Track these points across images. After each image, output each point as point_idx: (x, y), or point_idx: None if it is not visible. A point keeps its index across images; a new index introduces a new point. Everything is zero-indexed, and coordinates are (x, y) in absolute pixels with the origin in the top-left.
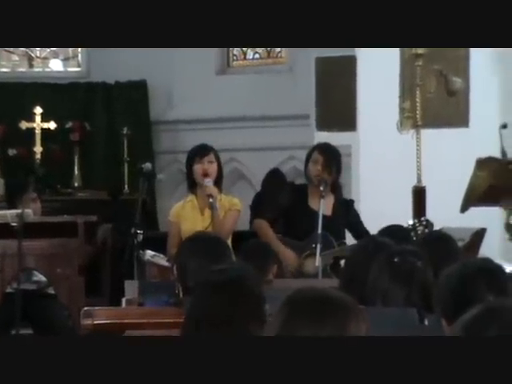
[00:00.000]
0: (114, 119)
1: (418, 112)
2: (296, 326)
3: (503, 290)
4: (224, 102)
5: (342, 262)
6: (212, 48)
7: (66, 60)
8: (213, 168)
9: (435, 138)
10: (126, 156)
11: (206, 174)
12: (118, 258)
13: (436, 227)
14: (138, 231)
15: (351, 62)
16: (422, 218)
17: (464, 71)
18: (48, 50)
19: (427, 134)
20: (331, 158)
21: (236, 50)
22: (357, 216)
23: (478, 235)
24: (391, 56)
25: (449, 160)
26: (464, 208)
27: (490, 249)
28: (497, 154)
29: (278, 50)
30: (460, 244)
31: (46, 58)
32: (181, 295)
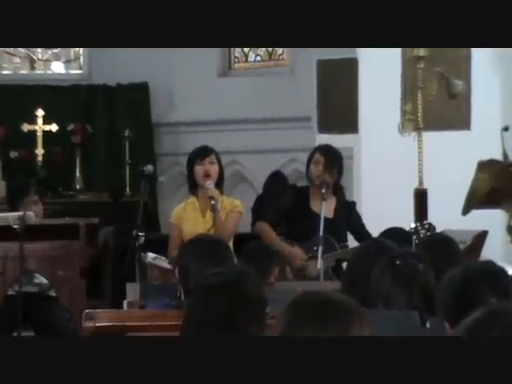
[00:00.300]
0: (115, 121)
1: (419, 114)
2: (300, 328)
3: (506, 292)
4: (225, 104)
5: (344, 265)
6: (214, 50)
7: (67, 62)
8: (214, 169)
9: (437, 140)
10: (127, 158)
11: (207, 175)
12: (119, 261)
13: (438, 230)
14: (140, 233)
15: (352, 64)
16: (425, 222)
17: (465, 72)
18: (50, 52)
19: (429, 136)
20: (332, 159)
21: (238, 53)
22: (359, 218)
23: (480, 238)
24: (392, 58)
25: (450, 162)
26: (466, 210)
27: (492, 251)
28: (498, 157)
29: (280, 52)
30: (462, 246)
31: (47, 61)
32: (182, 297)
